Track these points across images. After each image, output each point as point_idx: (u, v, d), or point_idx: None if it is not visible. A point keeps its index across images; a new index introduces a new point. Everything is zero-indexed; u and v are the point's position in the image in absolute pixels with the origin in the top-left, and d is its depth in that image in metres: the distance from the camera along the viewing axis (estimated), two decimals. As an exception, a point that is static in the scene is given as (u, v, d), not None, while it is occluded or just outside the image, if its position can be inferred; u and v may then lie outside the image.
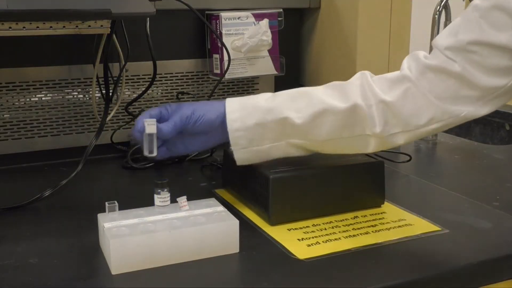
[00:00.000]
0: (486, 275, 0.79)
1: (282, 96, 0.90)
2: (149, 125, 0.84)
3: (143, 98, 1.27)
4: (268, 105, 0.88)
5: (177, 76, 1.32)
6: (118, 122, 1.29)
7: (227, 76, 1.27)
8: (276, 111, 0.87)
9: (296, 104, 0.88)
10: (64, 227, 0.90)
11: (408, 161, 1.23)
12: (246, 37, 1.28)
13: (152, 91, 1.30)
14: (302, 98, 0.89)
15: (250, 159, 0.90)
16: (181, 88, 1.33)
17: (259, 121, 0.87)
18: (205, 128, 0.89)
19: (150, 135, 0.84)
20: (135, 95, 1.26)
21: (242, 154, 0.89)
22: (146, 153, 0.85)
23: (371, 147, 0.89)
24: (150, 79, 1.23)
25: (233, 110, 0.88)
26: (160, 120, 0.88)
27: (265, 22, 1.29)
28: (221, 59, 1.27)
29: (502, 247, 0.83)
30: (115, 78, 1.22)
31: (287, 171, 0.90)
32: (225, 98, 1.36)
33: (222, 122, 0.88)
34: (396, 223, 0.91)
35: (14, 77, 1.17)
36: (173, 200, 0.82)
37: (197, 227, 0.78)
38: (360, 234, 0.87)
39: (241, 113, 0.88)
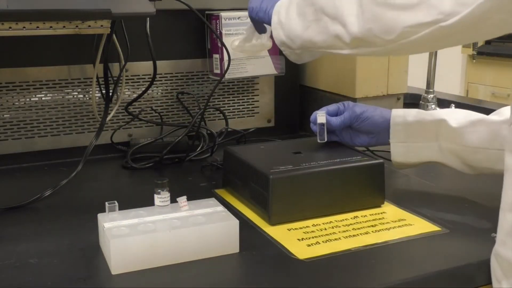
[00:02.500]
0: (486, 275, 0.79)
1: (442, 110, 1.03)
2: (320, 116, 1.01)
3: (143, 98, 1.27)
4: (430, 111, 1.02)
5: (177, 76, 1.33)
6: (118, 122, 1.29)
7: (227, 76, 1.27)
8: (436, 114, 1.00)
9: (455, 114, 0.99)
10: (64, 227, 0.90)
11: (408, 161, 1.23)
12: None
13: (152, 91, 1.30)
14: (462, 111, 1.00)
15: (405, 154, 1.01)
16: (181, 88, 1.33)
17: (419, 119, 1.00)
18: (369, 128, 1.02)
19: (321, 124, 1.01)
20: (135, 95, 1.26)
21: (398, 148, 1.01)
22: (318, 139, 1.02)
23: None
24: (150, 79, 1.23)
25: (397, 109, 1.02)
26: (337, 114, 1.03)
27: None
28: (221, 59, 1.27)
29: (502, 247, 0.83)
30: (115, 78, 1.22)
31: (287, 171, 0.90)
32: (225, 98, 1.38)
33: (385, 127, 1.01)
34: (396, 223, 0.91)
35: (14, 77, 1.18)
36: (173, 200, 0.82)
37: (197, 227, 0.78)
38: (360, 234, 0.87)
39: (404, 112, 1.01)
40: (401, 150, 1.01)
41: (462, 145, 0.96)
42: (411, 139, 1.00)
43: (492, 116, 0.96)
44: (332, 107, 1.04)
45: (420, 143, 0.99)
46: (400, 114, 1.01)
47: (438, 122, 0.98)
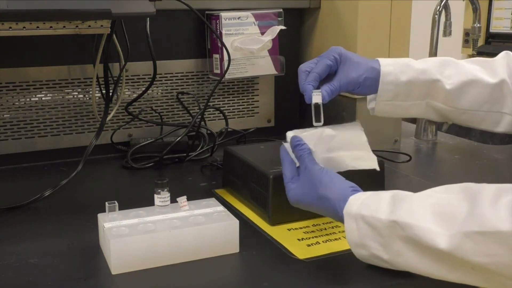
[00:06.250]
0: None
1: (430, 61, 0.93)
2: (316, 96, 0.86)
3: (143, 98, 1.28)
4: (422, 66, 0.91)
5: (177, 76, 1.33)
6: (118, 122, 1.29)
7: (227, 76, 1.27)
8: (429, 72, 0.91)
9: (445, 70, 0.91)
10: (64, 227, 0.90)
11: (408, 161, 1.23)
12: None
13: (152, 91, 1.30)
14: (450, 65, 0.92)
15: (389, 112, 0.93)
16: (181, 88, 1.33)
17: (411, 79, 0.90)
18: (368, 92, 0.92)
19: (316, 104, 0.86)
20: (135, 95, 1.26)
21: (383, 107, 0.92)
22: (313, 121, 0.87)
23: (502, 126, 0.92)
24: (150, 79, 1.23)
25: (387, 63, 0.91)
26: (329, 73, 0.89)
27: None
28: (221, 59, 1.27)
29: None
30: (115, 78, 1.22)
31: (287, 171, 0.90)
32: (225, 98, 1.38)
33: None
34: (396, 223, 0.90)
35: (14, 77, 1.18)
36: (173, 200, 0.82)
37: (197, 227, 0.78)
38: (360, 234, 0.86)
39: (395, 67, 0.90)
40: (386, 108, 0.93)
41: (451, 107, 0.92)
42: (399, 98, 0.92)
43: (485, 76, 0.91)
44: (321, 68, 0.88)
45: (408, 102, 0.92)
46: (390, 71, 0.90)
47: (432, 82, 0.91)
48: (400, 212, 0.68)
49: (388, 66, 0.91)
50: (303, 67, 0.90)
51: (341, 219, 0.74)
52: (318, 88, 0.88)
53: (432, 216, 0.66)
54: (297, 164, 0.81)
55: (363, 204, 0.72)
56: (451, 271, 0.65)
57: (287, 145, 0.84)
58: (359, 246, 0.72)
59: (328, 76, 0.90)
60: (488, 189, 0.65)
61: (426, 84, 0.91)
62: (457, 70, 0.91)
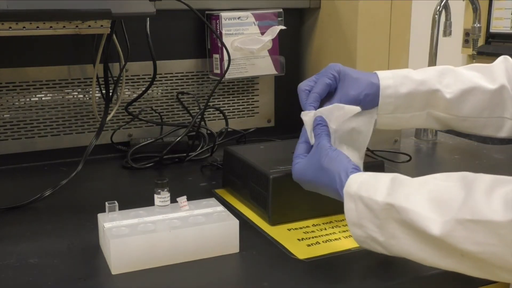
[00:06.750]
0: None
1: (429, 71, 0.93)
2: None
3: (143, 98, 1.28)
4: (421, 77, 0.91)
5: (177, 76, 1.33)
6: (118, 122, 1.29)
7: (227, 76, 1.27)
8: (429, 83, 0.90)
9: (444, 79, 0.91)
10: (64, 227, 0.90)
11: (408, 161, 1.23)
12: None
13: (152, 91, 1.30)
14: (449, 74, 0.92)
15: (391, 124, 0.93)
16: (181, 88, 1.33)
17: (411, 91, 0.90)
18: (369, 107, 0.90)
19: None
20: (135, 95, 1.26)
21: (384, 120, 0.92)
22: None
23: (504, 131, 0.92)
24: (150, 79, 1.23)
25: (386, 77, 0.90)
26: (329, 91, 0.89)
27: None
28: (221, 59, 1.27)
29: (502, 247, 0.82)
30: (115, 78, 1.22)
31: (287, 170, 0.90)
32: (225, 98, 1.38)
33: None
34: (396, 223, 0.90)
35: (14, 77, 1.18)
36: (173, 200, 0.82)
37: (197, 227, 0.78)
38: (360, 234, 0.86)
39: (394, 80, 0.90)
40: (388, 121, 0.93)
41: (452, 115, 0.92)
42: (400, 110, 0.91)
43: (485, 83, 0.91)
44: (321, 88, 0.89)
45: (408, 113, 0.92)
46: (389, 84, 0.90)
47: (432, 93, 0.91)
48: (397, 196, 0.69)
49: (387, 79, 0.90)
50: (302, 86, 0.91)
51: (337, 193, 0.75)
52: (319, 108, 0.88)
53: (428, 202, 0.66)
54: (312, 142, 0.83)
55: (362, 184, 0.73)
56: (442, 257, 0.66)
57: (307, 123, 0.85)
58: (357, 226, 0.73)
59: (328, 94, 0.90)
60: (484, 179, 0.66)
61: (426, 94, 0.91)
62: (456, 78, 0.91)
